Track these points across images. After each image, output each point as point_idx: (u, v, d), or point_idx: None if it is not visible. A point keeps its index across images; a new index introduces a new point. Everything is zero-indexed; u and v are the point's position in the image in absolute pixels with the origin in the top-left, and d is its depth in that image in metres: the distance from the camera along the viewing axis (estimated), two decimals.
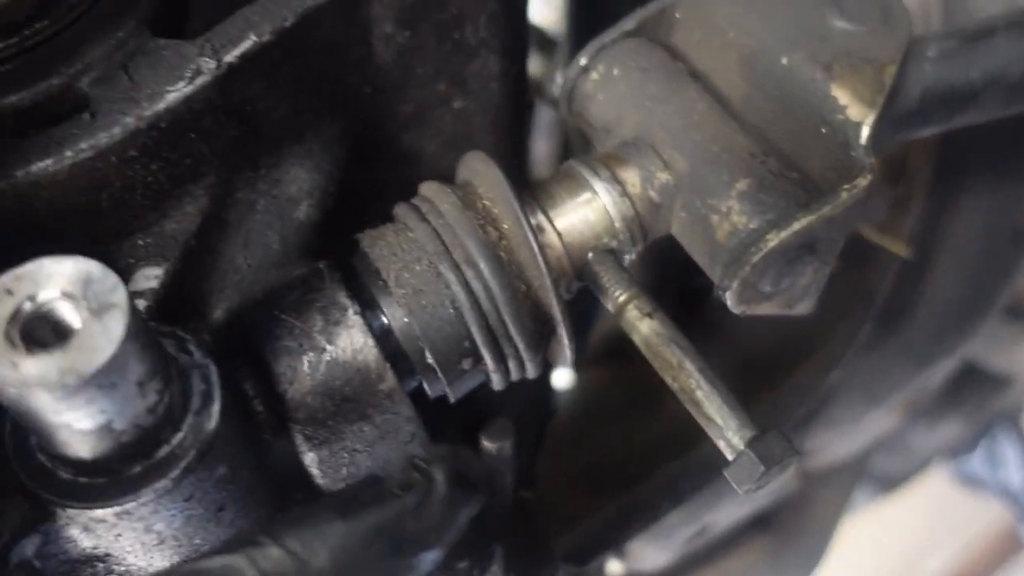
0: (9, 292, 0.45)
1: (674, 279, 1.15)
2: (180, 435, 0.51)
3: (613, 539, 1.06)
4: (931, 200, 1.03)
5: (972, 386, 1.78)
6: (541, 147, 1.35)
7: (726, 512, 1.19)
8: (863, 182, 0.64)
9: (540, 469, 1.07)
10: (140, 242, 0.59)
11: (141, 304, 0.57)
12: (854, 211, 0.66)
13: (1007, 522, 2.71)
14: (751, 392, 1.12)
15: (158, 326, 0.55)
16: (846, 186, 0.64)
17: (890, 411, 1.19)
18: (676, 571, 1.32)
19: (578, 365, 1.31)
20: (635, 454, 1.17)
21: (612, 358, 1.25)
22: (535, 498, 0.99)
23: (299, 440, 0.61)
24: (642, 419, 1.19)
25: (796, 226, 0.63)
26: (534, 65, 1.57)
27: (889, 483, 2.17)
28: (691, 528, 1.16)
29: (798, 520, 1.37)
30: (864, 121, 0.65)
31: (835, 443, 1.22)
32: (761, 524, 1.34)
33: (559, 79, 1.28)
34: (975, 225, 1.06)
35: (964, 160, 1.02)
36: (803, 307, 0.74)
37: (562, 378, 1.30)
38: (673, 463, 1.10)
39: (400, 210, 0.67)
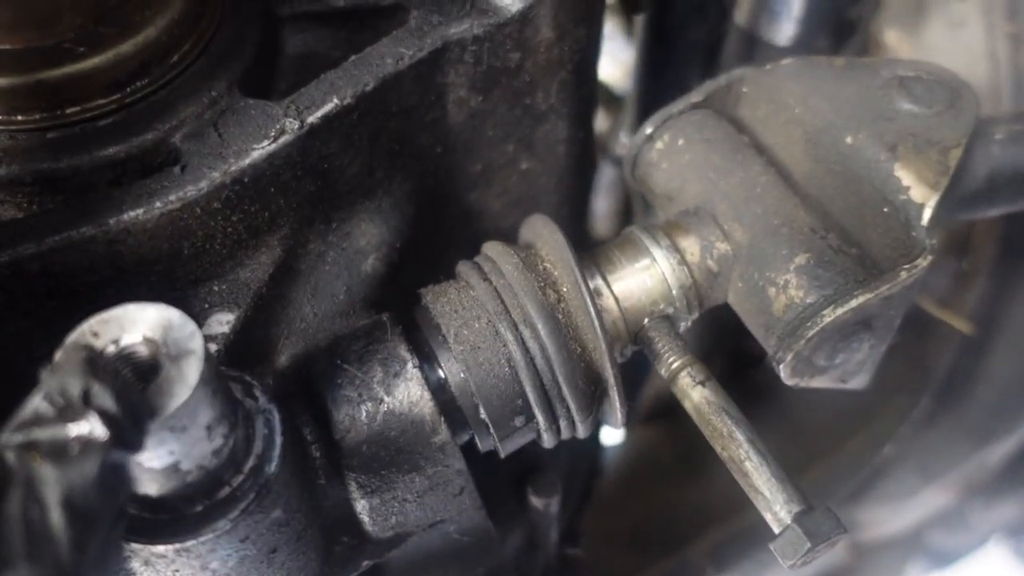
0: (95, 335, 0.47)
1: (726, 342, 1.15)
2: (241, 477, 0.53)
3: None
4: (995, 277, 1.02)
5: None
6: (602, 204, 1.37)
7: None
8: (923, 263, 0.64)
9: (586, 526, 1.07)
10: (215, 288, 0.62)
11: (212, 348, 0.60)
12: (913, 290, 0.66)
13: None
14: (801, 461, 1.11)
15: (227, 370, 0.58)
16: (906, 265, 0.64)
17: (946, 488, 1.16)
18: None
19: (628, 423, 1.31)
20: (682, 516, 1.16)
21: (662, 417, 1.25)
22: (582, 557, 0.99)
23: (352, 487, 0.63)
24: (690, 480, 1.18)
25: (853, 303, 0.63)
26: (599, 122, 1.60)
27: (945, 559, 2.10)
28: None
29: None
30: (927, 203, 0.65)
31: (887, 518, 1.19)
32: None
33: (623, 139, 1.30)
34: None
35: None
36: (858, 382, 0.74)
37: (611, 435, 1.30)
38: (719, 529, 1.09)
39: (463, 268, 0.69)
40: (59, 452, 0.39)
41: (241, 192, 0.60)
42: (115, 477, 0.40)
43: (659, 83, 1.08)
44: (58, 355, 0.46)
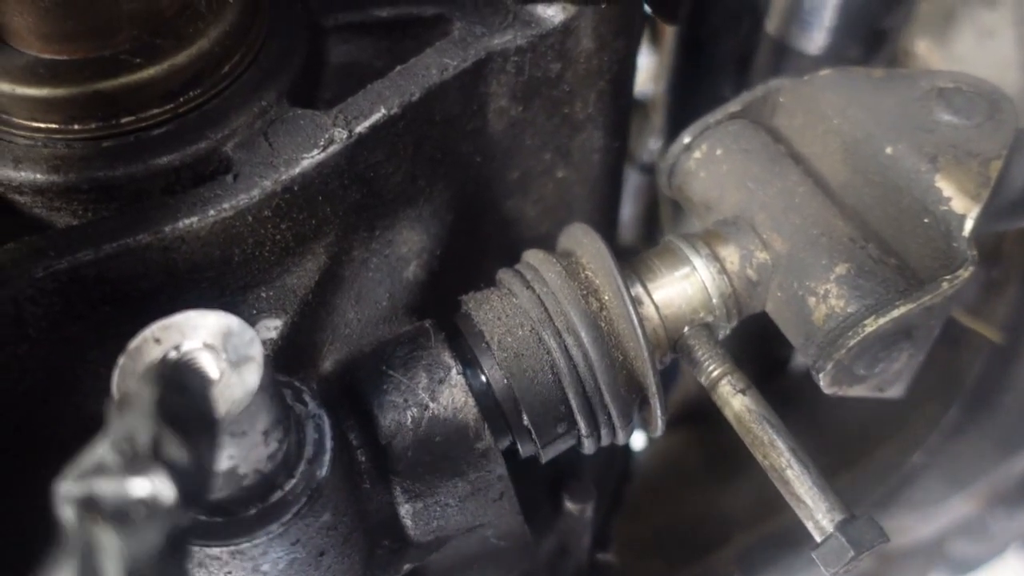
0: (157, 341, 0.48)
1: (755, 349, 1.15)
2: (293, 481, 0.54)
3: None
4: None
5: None
6: (627, 210, 1.38)
7: None
8: (965, 273, 0.64)
9: (616, 532, 1.08)
10: (263, 294, 0.63)
11: None
12: (952, 300, 0.66)
13: None
14: (829, 468, 1.11)
15: (278, 376, 0.58)
16: (947, 276, 0.65)
17: (972, 497, 1.16)
18: None
19: None
20: (708, 521, 1.17)
21: (691, 422, 1.25)
22: (613, 562, 0.99)
23: (397, 491, 0.64)
24: (716, 486, 1.18)
25: (895, 313, 0.64)
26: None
27: (964, 567, 2.10)
28: None
29: None
30: (968, 214, 0.65)
31: (913, 526, 1.19)
32: None
33: (650, 146, 1.31)
34: None
35: None
36: (895, 391, 0.74)
37: (633, 440, 1.30)
38: (746, 534, 1.09)
39: (505, 276, 0.69)
40: (123, 514, 0.34)
41: (291, 200, 0.61)
42: (180, 541, 0.35)
43: (692, 92, 1.08)
44: (121, 361, 0.47)
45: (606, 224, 0.94)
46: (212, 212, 0.58)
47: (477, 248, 0.83)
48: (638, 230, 1.42)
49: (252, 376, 0.47)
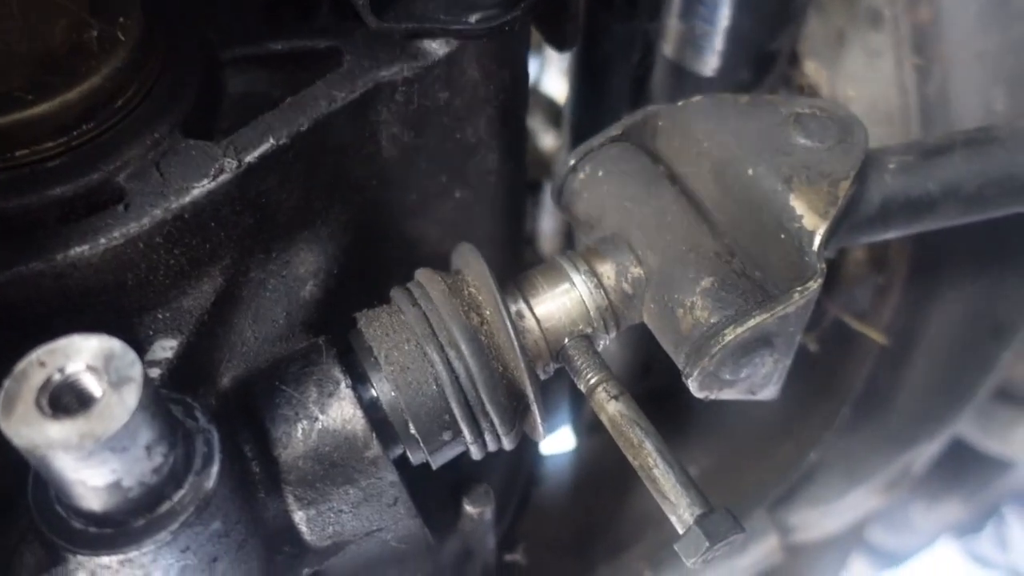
0: (42, 364, 0.52)
1: (662, 356, 1.21)
2: (181, 492, 0.57)
3: None
4: (910, 290, 1.09)
5: (972, 466, 1.81)
6: (548, 224, 1.43)
7: None
8: (814, 285, 0.70)
9: (532, 534, 1.13)
10: (159, 316, 0.67)
11: (156, 372, 0.65)
12: (807, 309, 0.72)
13: None
14: (732, 468, 1.17)
15: (169, 392, 0.62)
16: (799, 288, 0.70)
17: (873, 491, 1.23)
18: None
19: (577, 432, 1.37)
20: (624, 521, 1.22)
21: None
22: (521, 562, 1.04)
23: (290, 500, 0.68)
24: (632, 486, 1.23)
25: (751, 322, 0.69)
26: (549, 141, 1.65)
27: (894, 559, 2.18)
28: None
29: None
30: (817, 230, 0.71)
31: (819, 520, 1.26)
32: None
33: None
34: (953, 316, 1.11)
35: (944, 252, 1.08)
36: (767, 393, 0.79)
37: (561, 445, 1.35)
38: (657, 532, 1.14)
39: (396, 293, 0.74)
40: None
41: (182, 227, 0.65)
42: None
43: (591, 113, 1.13)
44: (7, 384, 0.50)
45: (511, 240, 0.99)
46: (103, 240, 0.61)
47: (382, 268, 0.87)
48: (560, 242, 1.47)
49: (131, 396, 0.51)
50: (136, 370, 0.52)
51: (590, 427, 1.34)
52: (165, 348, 0.66)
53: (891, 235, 0.84)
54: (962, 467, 1.83)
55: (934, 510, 1.97)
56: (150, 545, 0.56)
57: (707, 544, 0.63)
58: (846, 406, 1.10)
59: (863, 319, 1.12)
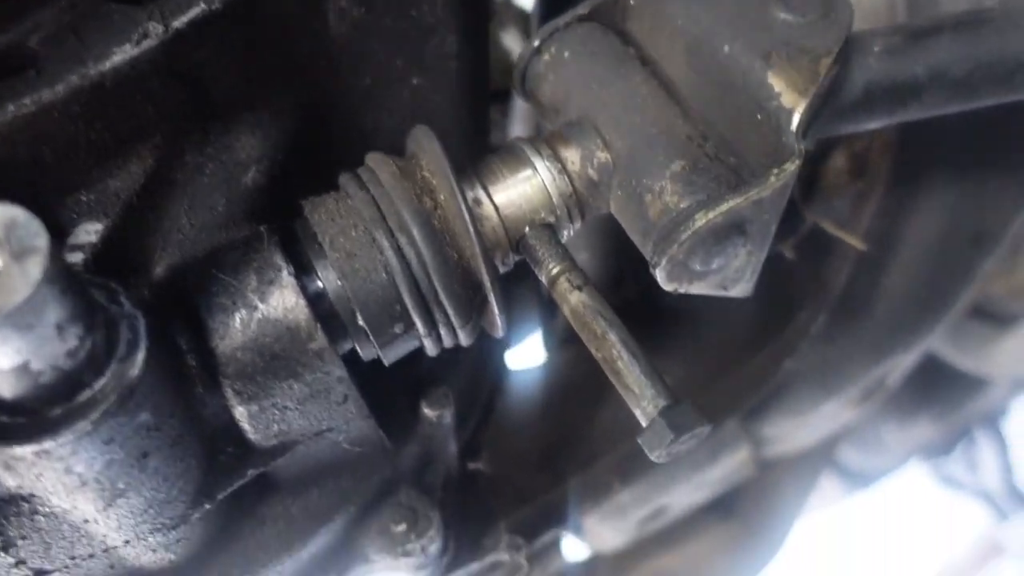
0: None
1: (635, 265, 1.17)
2: (103, 380, 0.53)
3: (562, 516, 1.08)
4: (889, 196, 1.05)
5: (944, 386, 1.80)
6: (518, 131, 1.37)
7: (681, 495, 1.21)
8: (791, 167, 0.65)
9: (498, 444, 1.10)
10: (83, 198, 0.61)
11: (79, 257, 0.59)
12: (783, 194, 0.67)
13: (985, 525, 2.73)
14: (704, 379, 1.14)
15: (92, 277, 0.57)
16: (775, 170, 0.66)
17: (847, 403, 1.21)
18: (635, 553, 1.34)
19: (548, 345, 1.33)
20: (593, 434, 1.19)
21: (579, 340, 1.27)
22: (486, 471, 1.01)
23: (230, 394, 0.63)
24: (602, 398, 1.21)
25: (723, 207, 0.65)
26: (514, 44, 1.59)
27: (865, 480, 2.19)
28: (644, 509, 1.18)
29: (758, 507, 1.39)
30: (796, 108, 0.66)
31: (793, 432, 1.24)
32: (721, 510, 1.36)
33: None
34: (933, 224, 1.07)
35: (924, 158, 1.04)
36: (740, 290, 0.75)
37: (532, 358, 1.32)
38: (626, 443, 1.12)
39: (343, 179, 0.69)
40: None
41: (103, 98, 0.59)
42: None
43: (560, 5, 1.07)
44: None
45: (473, 133, 0.93)
46: (11, 108, 0.55)
47: (333, 160, 0.81)
48: None
49: (35, 268, 0.46)
50: (41, 240, 0.47)
51: (561, 341, 1.30)
52: (89, 232, 0.61)
53: (874, 124, 0.79)
54: (935, 385, 1.82)
55: (906, 429, 1.97)
56: (68, 435, 0.51)
57: (671, 436, 0.60)
58: (823, 314, 1.07)
59: (842, 227, 1.08)
